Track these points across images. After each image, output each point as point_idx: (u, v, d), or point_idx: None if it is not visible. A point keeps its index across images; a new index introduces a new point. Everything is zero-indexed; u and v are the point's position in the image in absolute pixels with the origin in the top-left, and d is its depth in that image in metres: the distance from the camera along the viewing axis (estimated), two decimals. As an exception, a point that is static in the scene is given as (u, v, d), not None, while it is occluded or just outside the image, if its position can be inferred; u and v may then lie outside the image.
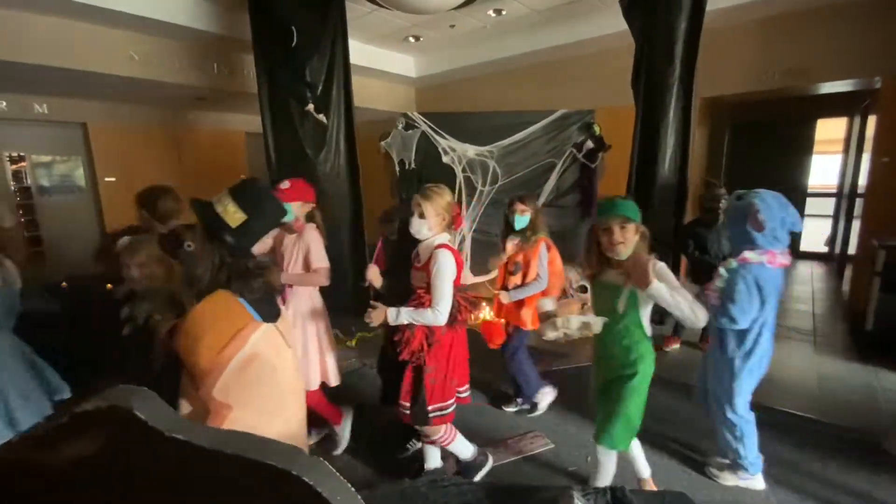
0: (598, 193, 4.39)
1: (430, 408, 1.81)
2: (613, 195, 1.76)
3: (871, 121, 4.54)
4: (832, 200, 6.82)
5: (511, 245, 2.45)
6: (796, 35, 4.11)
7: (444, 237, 1.83)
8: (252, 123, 4.43)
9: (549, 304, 2.02)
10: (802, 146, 6.72)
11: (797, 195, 6.83)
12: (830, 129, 6.88)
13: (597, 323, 1.67)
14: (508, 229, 2.47)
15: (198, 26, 4.02)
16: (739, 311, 1.81)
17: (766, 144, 6.75)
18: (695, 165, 4.15)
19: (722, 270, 1.86)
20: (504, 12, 4.54)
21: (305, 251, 2.13)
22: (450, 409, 1.87)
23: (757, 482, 2.00)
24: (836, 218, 6.59)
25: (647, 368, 1.68)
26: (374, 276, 2.03)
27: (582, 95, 5.08)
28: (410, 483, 1.34)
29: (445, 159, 4.20)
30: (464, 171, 4.23)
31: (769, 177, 6.78)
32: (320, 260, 2.13)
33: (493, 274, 4.30)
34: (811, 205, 6.96)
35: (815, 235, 6.86)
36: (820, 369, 3.17)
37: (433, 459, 2.08)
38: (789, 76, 4.19)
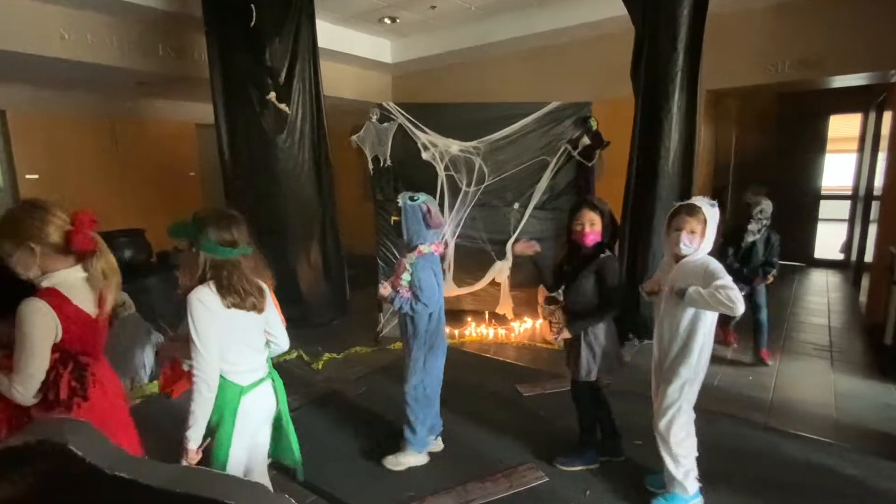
0: (596, 195, 4.46)
1: None
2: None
3: (887, 117, 4.75)
4: (847, 203, 7.08)
5: None
6: (808, 24, 4.29)
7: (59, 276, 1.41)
8: (204, 113, 4.37)
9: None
10: (815, 144, 6.97)
11: (810, 197, 7.09)
12: (845, 126, 7.17)
13: None
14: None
15: (140, 1, 3.96)
16: None
17: (776, 142, 6.99)
18: (701, 164, 4.28)
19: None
20: (491, -7, 4.61)
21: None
22: None
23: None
24: (851, 222, 6.84)
25: None
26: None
27: (577, 86, 5.19)
28: None
29: (425, 156, 4.22)
30: (446, 169, 4.25)
31: (780, 177, 7.03)
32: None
33: (480, 285, 4.34)
34: (825, 208, 7.22)
35: (830, 241, 7.12)
36: (837, 387, 3.28)
37: None
38: (801, 68, 4.36)
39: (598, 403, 2.42)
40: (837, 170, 7.64)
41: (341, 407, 3.12)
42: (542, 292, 3.75)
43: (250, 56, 3.93)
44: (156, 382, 3.32)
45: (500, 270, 4.32)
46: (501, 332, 4.35)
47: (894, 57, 4.02)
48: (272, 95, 3.96)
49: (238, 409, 1.57)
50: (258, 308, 1.61)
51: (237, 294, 1.53)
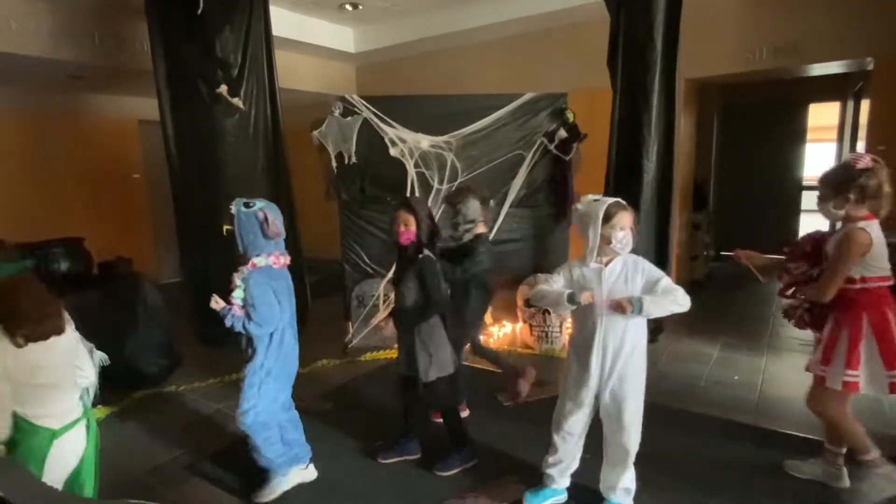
0: (574, 189, 4.51)
1: None
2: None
3: (865, 105, 4.96)
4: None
5: None
6: (785, 11, 4.44)
7: None
8: (149, 109, 4.24)
9: None
10: (795, 133, 7.24)
11: (792, 188, 7.35)
12: (824, 115, 7.46)
13: None
14: None
15: (72, -15, 3.82)
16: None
17: (757, 132, 7.22)
18: (681, 155, 4.37)
19: None
20: (459, -23, 4.62)
21: None
22: None
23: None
24: (833, 213, 7.10)
25: None
26: None
27: (553, 76, 5.24)
28: None
29: (394, 152, 4.19)
30: (416, 165, 4.22)
31: (762, 167, 7.26)
32: None
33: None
34: (807, 198, 7.49)
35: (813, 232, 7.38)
36: (824, 384, 3.39)
37: None
38: (779, 56, 4.51)
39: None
40: (818, 159, 7.93)
41: (305, 426, 3.04)
42: (521, 295, 3.77)
43: (198, 46, 3.82)
44: (100, 407, 3.19)
45: (477, 273, 4.31)
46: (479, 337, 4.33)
47: (870, 44, 4.19)
48: (223, 89, 3.87)
49: (48, 456, 1.50)
50: (59, 328, 1.53)
51: (30, 322, 1.45)
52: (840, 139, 6.88)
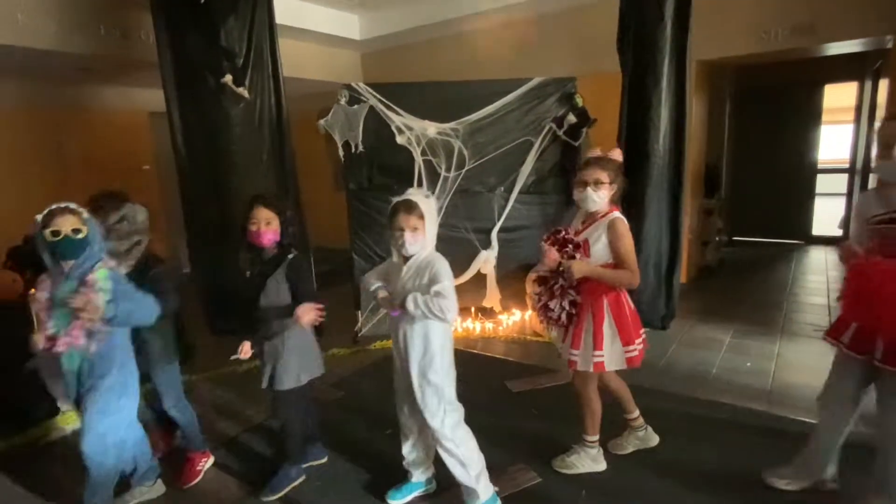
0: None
1: None
2: None
3: (883, 85, 4.83)
4: (845, 177, 7.21)
5: None
6: (800, -12, 4.31)
7: None
8: (159, 101, 4.24)
9: None
10: (810, 115, 7.07)
11: (807, 171, 7.21)
12: (840, 96, 7.28)
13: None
14: None
15: (76, -24, 3.81)
16: None
17: (771, 114, 7.07)
18: (692, 139, 4.29)
19: None
20: (465, -39, 4.53)
21: None
22: None
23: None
24: (849, 196, 6.98)
25: None
26: None
27: (561, 61, 5.15)
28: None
29: (400, 140, 4.15)
30: (423, 153, 4.19)
31: (776, 151, 7.12)
32: None
33: (465, 277, 4.30)
34: (822, 182, 7.35)
35: (829, 217, 7.25)
36: (838, 370, 3.34)
37: None
38: (795, 35, 4.39)
39: (308, 409, 2.45)
40: (834, 142, 7.77)
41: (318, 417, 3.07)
42: (530, 282, 3.74)
43: (203, 36, 3.80)
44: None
45: (486, 261, 4.29)
46: (489, 326, 4.33)
47: (890, 22, 4.06)
48: (228, 78, 3.85)
49: None
50: None
51: None
52: (857, 120, 6.72)
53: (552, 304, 2.17)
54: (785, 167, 7.14)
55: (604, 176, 2.14)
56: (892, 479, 1.90)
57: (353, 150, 4.13)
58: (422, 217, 1.93)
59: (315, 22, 5.65)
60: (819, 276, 5.74)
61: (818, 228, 7.36)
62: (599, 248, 2.15)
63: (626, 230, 2.16)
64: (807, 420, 2.75)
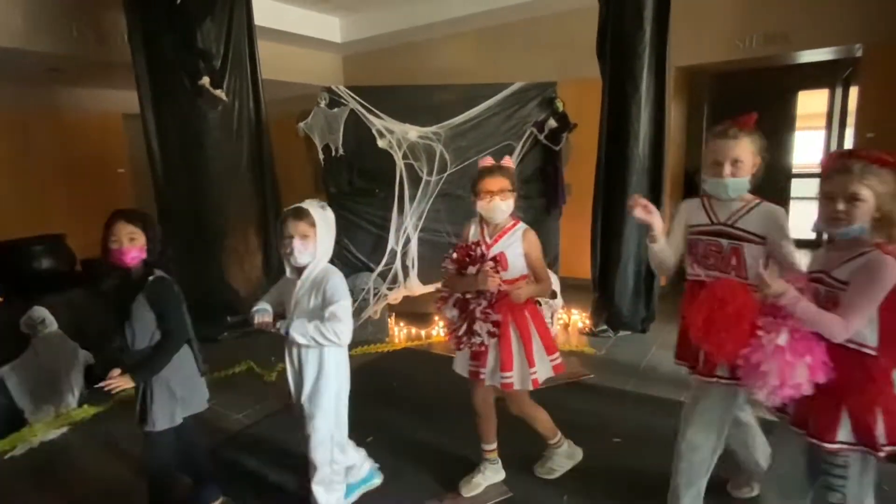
0: (564, 180, 4.49)
1: None
2: None
3: (854, 92, 4.97)
4: (818, 181, 7.39)
5: None
6: (774, -3, 4.42)
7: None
8: (133, 103, 4.15)
9: None
10: (784, 121, 7.25)
11: (781, 176, 7.38)
12: (813, 103, 7.48)
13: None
14: None
15: (47, -25, 3.71)
16: None
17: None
18: (672, 145, 4.36)
19: None
20: (446, -35, 4.54)
21: None
22: None
23: None
24: (822, 200, 7.14)
25: None
26: None
27: (542, 65, 5.19)
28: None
29: (381, 143, 4.13)
30: (405, 157, 4.17)
31: (752, 156, 7.24)
32: None
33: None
34: (796, 186, 7.52)
35: (802, 221, 7.42)
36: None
37: None
38: (769, 42, 4.49)
39: (188, 447, 2.16)
40: (807, 147, 7.96)
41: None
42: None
43: (178, 37, 3.74)
44: (86, 407, 3.14)
45: (467, 265, 4.28)
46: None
47: (859, 31, 4.18)
48: (205, 81, 3.79)
49: None
50: None
51: None
52: (829, 126, 6.91)
53: (477, 328, 1.99)
54: (760, 172, 7.29)
55: (507, 184, 2.06)
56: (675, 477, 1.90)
57: (334, 153, 4.10)
58: (313, 225, 1.85)
59: (295, 24, 5.60)
60: (794, 278, 5.86)
61: (793, 231, 7.50)
62: (515, 261, 2.06)
63: (538, 239, 2.12)
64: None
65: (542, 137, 4.18)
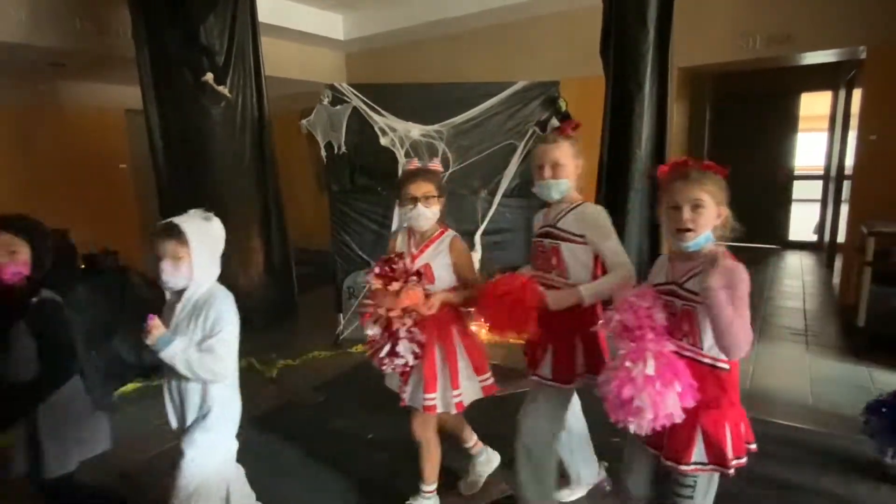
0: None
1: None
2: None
3: (857, 94, 4.97)
4: (820, 183, 7.40)
5: None
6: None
7: None
8: (135, 98, 4.16)
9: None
10: (787, 123, 7.25)
11: (783, 178, 7.38)
12: (816, 105, 7.48)
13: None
14: None
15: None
16: None
17: (749, 121, 7.23)
18: (674, 145, 4.36)
19: None
20: (450, -37, 4.55)
21: None
22: None
23: None
24: (824, 203, 7.16)
25: None
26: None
27: (545, 64, 5.19)
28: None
29: (384, 141, 4.14)
30: (407, 155, 4.17)
31: (754, 157, 7.27)
32: None
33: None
34: (798, 188, 7.52)
35: (804, 223, 7.43)
36: (812, 372, 3.42)
37: None
38: (772, 44, 4.49)
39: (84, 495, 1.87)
40: (810, 149, 7.96)
41: (298, 419, 3.04)
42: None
43: (182, 32, 3.75)
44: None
45: (468, 263, 4.29)
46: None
47: (863, 33, 4.18)
48: (209, 77, 3.80)
49: None
50: None
51: None
52: (832, 129, 6.90)
53: (400, 349, 1.83)
54: (763, 174, 7.29)
55: (432, 189, 1.90)
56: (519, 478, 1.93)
57: (336, 150, 4.11)
58: (185, 244, 1.58)
59: (298, 21, 5.61)
60: (795, 280, 5.86)
61: (794, 234, 7.53)
62: (443, 273, 1.93)
63: (467, 248, 2.00)
64: (784, 422, 2.81)
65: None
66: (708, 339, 1.38)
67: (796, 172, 7.47)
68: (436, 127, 4.17)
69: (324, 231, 4.52)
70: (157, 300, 1.83)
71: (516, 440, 1.90)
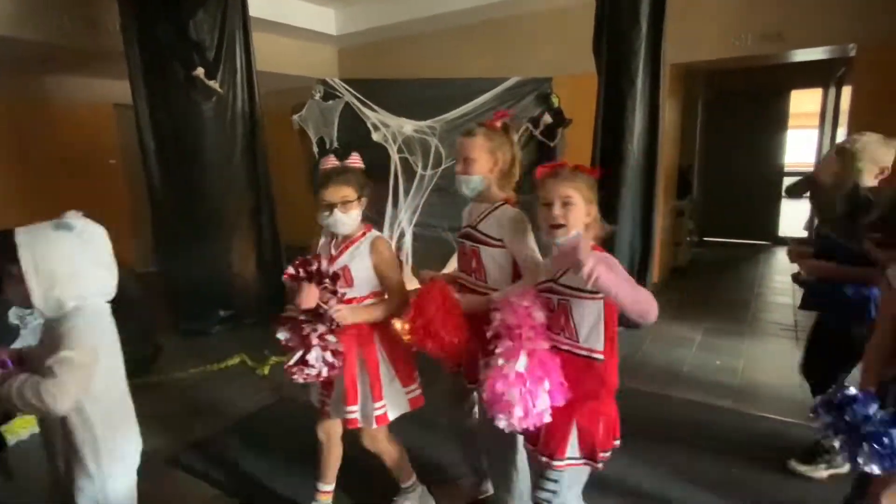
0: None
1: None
2: None
3: (846, 92, 5.01)
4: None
5: None
6: (769, -5, 4.45)
7: None
8: (125, 93, 4.11)
9: None
10: (777, 120, 7.30)
11: (774, 174, 7.44)
12: (806, 102, 7.54)
13: None
14: None
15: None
16: None
17: (740, 119, 7.27)
18: (666, 142, 4.38)
19: None
20: (443, -42, 4.53)
21: None
22: None
23: None
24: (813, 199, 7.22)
25: None
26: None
27: (538, 61, 5.18)
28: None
29: (376, 137, 4.12)
30: (400, 151, 4.17)
31: (744, 154, 7.32)
32: None
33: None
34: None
35: (794, 219, 7.49)
36: (802, 367, 3.46)
37: None
38: (764, 41, 4.51)
39: None
40: (799, 146, 8.03)
41: (292, 416, 3.02)
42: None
43: (172, 27, 3.71)
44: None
45: (461, 260, 4.29)
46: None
47: (853, 30, 4.21)
48: (200, 71, 3.76)
49: None
50: None
51: None
52: (821, 126, 6.96)
53: (311, 359, 1.67)
54: (753, 170, 7.35)
55: (350, 192, 1.76)
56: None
57: (328, 146, 4.09)
58: (14, 261, 1.24)
59: (290, 16, 5.56)
60: (784, 276, 5.92)
61: (784, 230, 7.60)
62: (363, 275, 1.79)
63: (391, 249, 1.86)
64: (773, 416, 2.85)
65: (537, 133, 4.19)
66: (584, 332, 1.41)
67: (786, 169, 7.52)
68: (429, 123, 4.16)
69: (315, 227, 4.50)
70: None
71: (479, 444, 1.95)
